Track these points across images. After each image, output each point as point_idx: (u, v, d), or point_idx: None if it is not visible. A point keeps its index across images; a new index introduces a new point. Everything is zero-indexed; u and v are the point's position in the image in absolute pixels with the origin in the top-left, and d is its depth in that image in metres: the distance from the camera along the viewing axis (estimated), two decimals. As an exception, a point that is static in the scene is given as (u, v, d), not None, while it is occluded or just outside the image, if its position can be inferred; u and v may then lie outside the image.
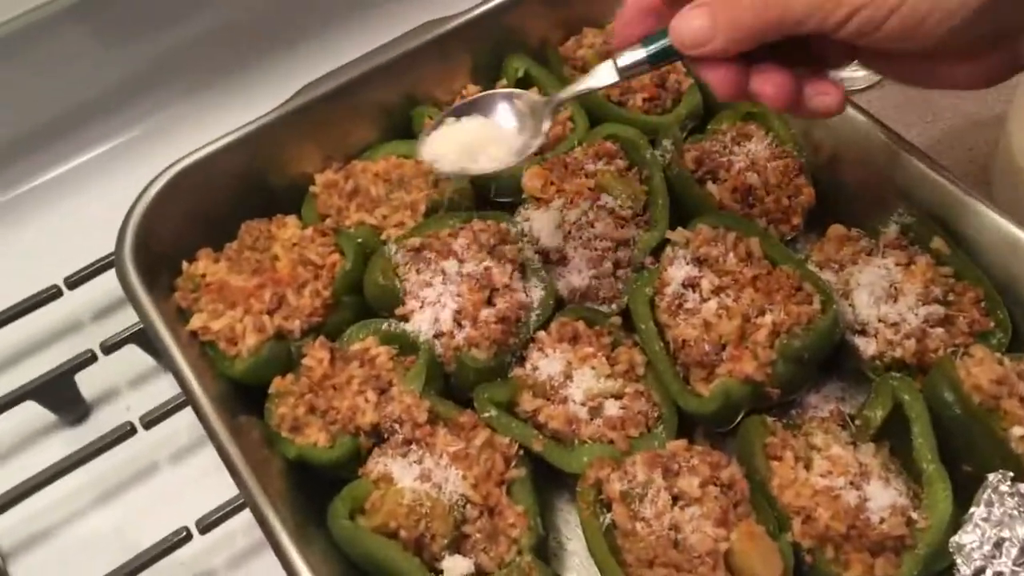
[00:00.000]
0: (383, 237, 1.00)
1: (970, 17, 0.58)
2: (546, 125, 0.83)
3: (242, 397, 0.92)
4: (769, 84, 0.69)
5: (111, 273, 1.04)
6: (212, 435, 0.84)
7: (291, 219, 1.02)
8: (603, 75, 0.75)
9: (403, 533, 0.80)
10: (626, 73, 0.74)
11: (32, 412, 1.01)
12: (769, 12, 0.64)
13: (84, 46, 1.18)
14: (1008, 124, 1.05)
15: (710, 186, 1.03)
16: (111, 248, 1.01)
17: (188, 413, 0.96)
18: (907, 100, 1.21)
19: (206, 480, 0.96)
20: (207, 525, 0.90)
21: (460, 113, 0.87)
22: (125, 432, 0.95)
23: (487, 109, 0.86)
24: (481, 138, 0.85)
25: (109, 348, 1.01)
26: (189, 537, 0.90)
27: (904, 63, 0.69)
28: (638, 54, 0.73)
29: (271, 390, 0.91)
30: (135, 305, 0.92)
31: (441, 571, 0.80)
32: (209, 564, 0.93)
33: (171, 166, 0.99)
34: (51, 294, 1.05)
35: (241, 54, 1.26)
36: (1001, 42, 0.63)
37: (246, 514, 0.90)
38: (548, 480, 0.90)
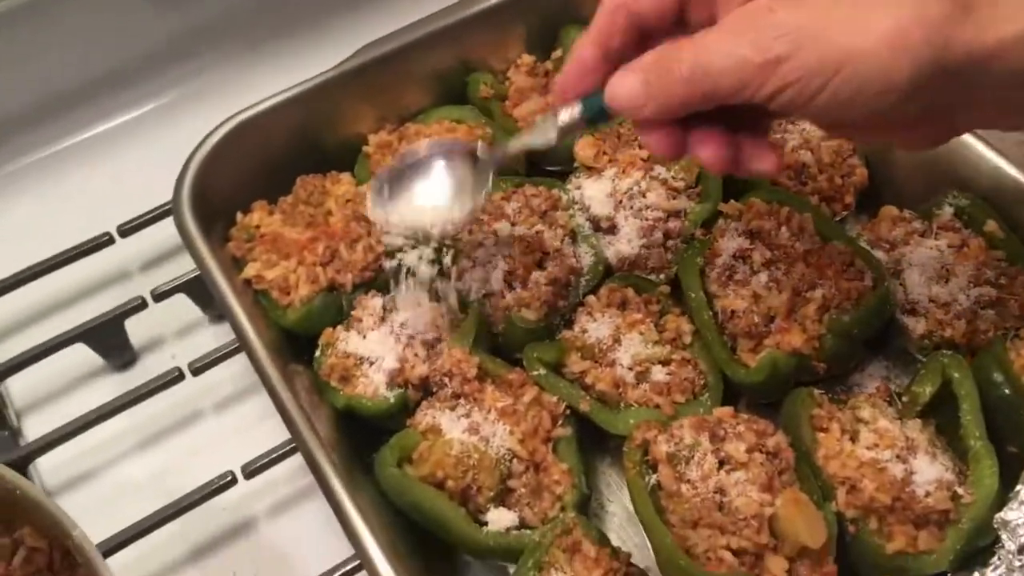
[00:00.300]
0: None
1: (897, 100, 0.59)
2: (489, 183, 0.82)
3: (292, 346, 0.93)
4: (706, 148, 0.68)
5: (162, 223, 1.06)
6: (265, 380, 0.85)
7: (345, 176, 1.03)
8: (545, 132, 0.74)
9: (450, 483, 0.81)
10: (564, 131, 0.73)
11: (81, 356, 1.02)
12: (699, 86, 0.63)
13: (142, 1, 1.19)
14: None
15: (763, 163, 1.03)
16: (162, 200, 1.03)
17: (234, 362, 0.98)
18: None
19: (250, 429, 0.97)
20: (252, 470, 0.91)
21: (405, 175, 0.86)
22: (174, 377, 0.96)
23: (428, 168, 0.85)
24: (425, 202, 0.85)
25: (159, 296, 1.02)
26: (234, 481, 0.90)
27: (845, 126, 0.69)
28: (575, 113, 0.72)
29: (321, 340, 0.92)
30: (192, 251, 0.93)
31: (486, 522, 0.81)
32: (250, 510, 0.94)
33: (230, 119, 1.00)
34: (103, 241, 1.06)
35: (300, 13, 1.26)
36: (935, 116, 0.64)
37: (288, 463, 0.92)
38: (592, 443, 0.90)
